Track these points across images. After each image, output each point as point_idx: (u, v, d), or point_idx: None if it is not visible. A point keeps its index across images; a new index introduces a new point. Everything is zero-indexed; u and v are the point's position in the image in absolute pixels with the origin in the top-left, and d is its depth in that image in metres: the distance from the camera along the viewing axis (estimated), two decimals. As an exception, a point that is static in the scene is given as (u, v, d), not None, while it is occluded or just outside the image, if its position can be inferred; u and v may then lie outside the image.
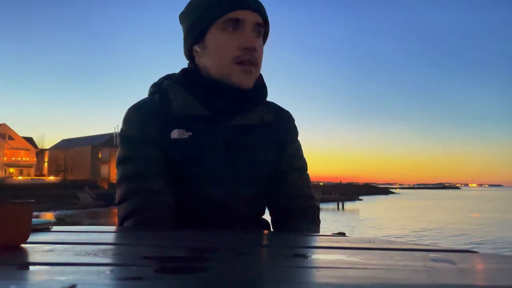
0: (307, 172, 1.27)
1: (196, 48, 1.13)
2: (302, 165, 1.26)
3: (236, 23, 1.06)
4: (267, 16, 1.13)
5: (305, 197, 1.23)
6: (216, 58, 1.09)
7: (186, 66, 1.19)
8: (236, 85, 1.08)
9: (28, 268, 0.53)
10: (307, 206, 1.22)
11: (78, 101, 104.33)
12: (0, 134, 53.47)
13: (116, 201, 1.09)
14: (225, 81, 1.09)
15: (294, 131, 1.27)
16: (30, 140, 59.16)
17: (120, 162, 1.10)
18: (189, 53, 1.16)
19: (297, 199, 1.21)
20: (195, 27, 1.11)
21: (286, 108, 1.29)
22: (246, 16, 1.06)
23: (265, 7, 1.15)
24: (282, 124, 1.23)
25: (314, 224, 1.21)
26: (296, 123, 1.29)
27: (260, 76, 1.19)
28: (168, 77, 1.18)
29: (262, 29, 1.11)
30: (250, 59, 1.07)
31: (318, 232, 1.21)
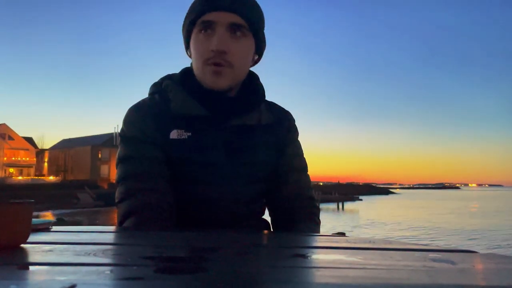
0: (307, 172, 1.27)
1: (188, 52, 1.17)
2: (302, 165, 1.26)
3: (209, 26, 1.07)
4: (249, 14, 1.09)
5: (305, 197, 1.23)
6: (194, 60, 1.12)
7: (189, 65, 1.20)
8: (208, 87, 1.09)
9: (28, 268, 0.53)
10: (307, 207, 1.22)
11: (78, 101, 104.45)
12: (0, 134, 53.45)
13: (116, 200, 1.09)
14: (202, 83, 1.11)
15: (294, 131, 1.27)
16: (30, 140, 59.14)
17: (121, 162, 1.10)
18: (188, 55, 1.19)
19: (297, 200, 1.21)
20: (183, 32, 1.15)
21: (286, 108, 1.30)
22: (218, 18, 1.06)
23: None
24: (282, 124, 1.23)
25: (314, 225, 1.21)
26: (296, 123, 1.29)
27: (256, 77, 1.20)
28: (168, 77, 1.19)
29: (244, 28, 1.08)
30: (220, 61, 1.07)
31: (319, 231, 1.21)
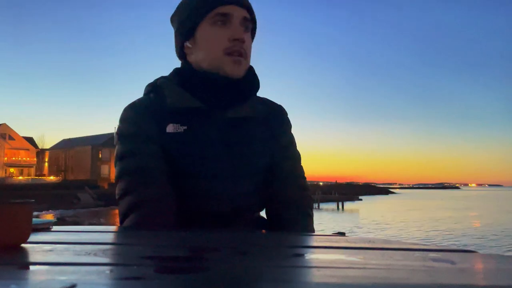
0: (301, 163, 1.28)
1: (187, 44, 1.17)
2: (295, 156, 1.27)
3: (225, 17, 1.11)
4: (253, 12, 1.18)
5: (299, 187, 1.23)
6: (207, 51, 1.13)
7: (179, 66, 1.21)
8: (227, 75, 1.12)
9: (29, 268, 0.53)
10: (300, 197, 1.22)
11: (78, 101, 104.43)
12: (1, 134, 53.48)
13: (117, 196, 1.09)
14: (216, 73, 1.12)
15: (287, 123, 1.28)
16: (30, 140, 59.15)
17: (119, 158, 1.11)
18: (181, 51, 1.20)
19: (290, 189, 1.21)
20: (186, 24, 1.15)
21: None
22: (234, 11, 1.12)
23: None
24: (276, 117, 1.25)
25: (307, 217, 1.21)
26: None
27: (251, 68, 1.21)
28: (162, 77, 1.21)
29: (250, 24, 1.16)
30: (239, 50, 1.11)
31: (312, 224, 1.22)
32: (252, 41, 1.20)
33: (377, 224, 23.53)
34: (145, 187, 1.06)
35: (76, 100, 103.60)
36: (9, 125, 55.12)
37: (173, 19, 1.21)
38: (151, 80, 1.22)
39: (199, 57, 1.15)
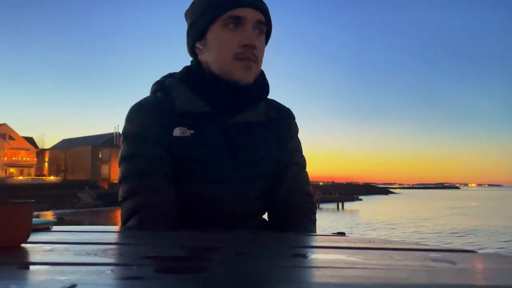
0: (306, 169, 1.27)
1: (198, 45, 1.15)
2: (301, 161, 1.26)
3: (238, 21, 1.08)
4: (269, 15, 1.14)
5: (303, 193, 1.22)
6: (217, 54, 1.10)
7: (189, 64, 1.20)
8: (236, 81, 1.10)
9: (29, 268, 0.53)
10: (304, 203, 1.22)
11: (78, 101, 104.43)
12: (1, 134, 53.44)
13: (120, 198, 1.09)
14: (225, 77, 1.10)
15: (294, 128, 1.27)
16: (30, 140, 59.13)
17: (124, 160, 1.10)
18: (192, 50, 1.18)
19: (294, 195, 1.20)
20: (197, 24, 1.13)
21: (287, 107, 1.30)
22: (247, 14, 1.08)
23: (272, 7, 1.16)
24: (283, 121, 1.24)
25: (310, 222, 1.21)
26: (296, 120, 1.29)
27: (262, 73, 1.20)
28: (170, 75, 1.20)
29: (264, 27, 1.12)
30: (250, 56, 1.08)
31: (315, 230, 1.21)
32: (266, 44, 1.17)
33: (381, 223, 23.41)
34: (147, 191, 1.05)
35: (76, 100, 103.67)
36: (9, 125, 55.11)
37: (186, 16, 1.18)
38: (151, 80, 1.21)
39: (209, 59, 1.12)
